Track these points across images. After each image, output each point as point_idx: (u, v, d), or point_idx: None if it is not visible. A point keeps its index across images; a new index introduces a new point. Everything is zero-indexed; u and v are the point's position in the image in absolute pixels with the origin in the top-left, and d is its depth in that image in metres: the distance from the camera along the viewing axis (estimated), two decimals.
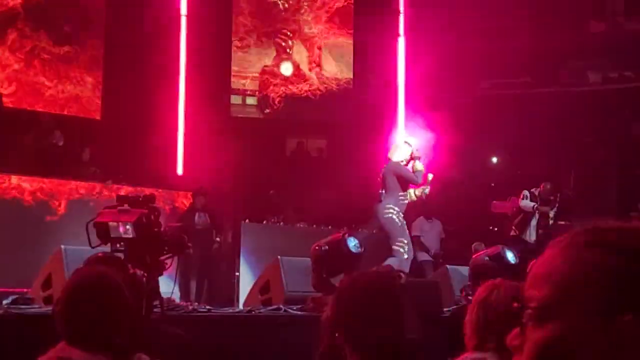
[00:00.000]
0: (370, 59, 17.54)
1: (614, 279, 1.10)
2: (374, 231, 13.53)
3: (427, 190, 9.44)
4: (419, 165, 9.33)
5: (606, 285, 1.10)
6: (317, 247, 7.61)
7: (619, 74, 21.98)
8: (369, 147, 15.62)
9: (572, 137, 18.82)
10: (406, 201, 9.32)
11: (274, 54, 17.08)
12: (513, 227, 13.04)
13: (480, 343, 2.96)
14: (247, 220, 12.88)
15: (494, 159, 19.26)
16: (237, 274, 12.04)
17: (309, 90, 17.01)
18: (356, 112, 17.13)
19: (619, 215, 12.66)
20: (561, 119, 18.70)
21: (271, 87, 16.73)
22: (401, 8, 17.38)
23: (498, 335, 2.72)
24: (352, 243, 7.77)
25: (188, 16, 15.26)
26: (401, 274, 7.17)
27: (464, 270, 9.22)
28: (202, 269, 12.33)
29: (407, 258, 9.11)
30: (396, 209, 9.14)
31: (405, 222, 9.30)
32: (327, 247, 7.58)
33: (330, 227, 12.63)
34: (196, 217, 12.27)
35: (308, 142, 17.65)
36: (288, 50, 17.07)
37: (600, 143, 19.22)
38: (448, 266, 9.91)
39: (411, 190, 9.39)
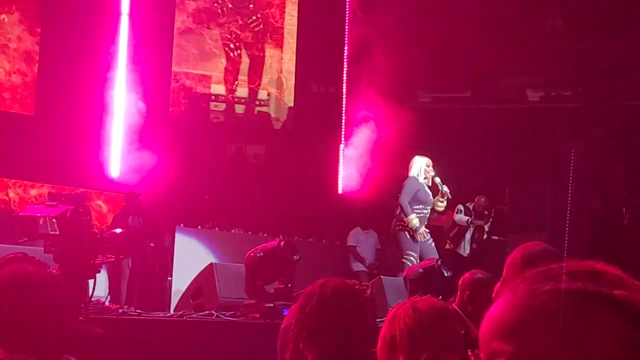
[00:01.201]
0: (311, 65, 17.53)
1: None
2: (311, 239, 13.51)
3: (442, 198, 9.33)
4: (442, 187, 9.27)
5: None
6: (252, 254, 7.50)
7: (558, 92, 22.34)
8: (308, 154, 15.60)
9: (509, 153, 19.02)
10: (423, 213, 9.23)
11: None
12: (448, 241, 13.11)
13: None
14: (181, 225, 12.70)
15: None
16: (169, 278, 11.86)
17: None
18: (296, 119, 17.08)
19: (551, 232, 12.77)
20: (499, 134, 18.90)
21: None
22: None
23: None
24: (288, 250, 7.68)
25: (130, 14, 15.02)
26: (369, 284, 7.10)
27: (399, 281, 9.21)
28: (134, 272, 12.11)
29: None
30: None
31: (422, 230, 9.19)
32: (262, 253, 7.48)
33: (265, 234, 12.53)
34: (130, 220, 12.06)
35: (247, 148, 17.54)
36: (231, 53, 16.95)
37: (536, 160, 19.47)
38: (382, 277, 9.87)
39: (436, 201, 9.33)
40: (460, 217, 12.87)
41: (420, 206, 9.24)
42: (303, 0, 17.45)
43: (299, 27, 17.39)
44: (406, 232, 9.07)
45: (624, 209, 15.46)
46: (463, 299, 5.53)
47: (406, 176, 9.56)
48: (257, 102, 17.03)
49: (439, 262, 8.44)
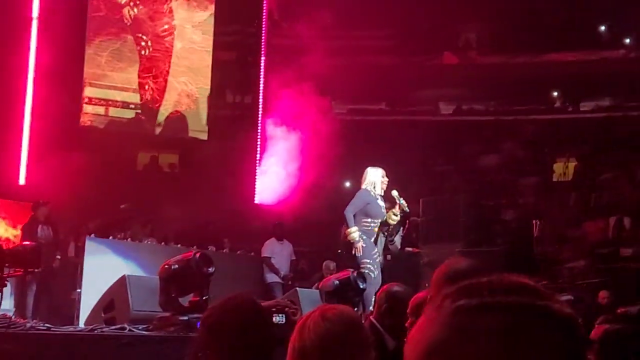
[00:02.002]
0: (227, 75, 17.43)
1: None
2: (226, 250, 13.36)
3: (397, 211, 9.24)
4: (400, 200, 9.19)
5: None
6: (166, 266, 7.34)
7: (470, 106, 22.75)
8: (223, 164, 15.46)
9: (424, 165, 19.24)
10: (371, 227, 9.13)
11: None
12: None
13: None
14: (92, 235, 12.39)
15: (347, 183, 19.41)
16: (78, 290, 11.54)
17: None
18: (211, 128, 16.93)
19: (467, 244, 12.93)
20: (414, 146, 19.08)
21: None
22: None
23: None
24: (203, 262, 7.55)
25: (39, 19, 14.66)
26: (297, 308, 6.97)
27: (314, 293, 9.16)
28: (40, 285, 11.77)
29: (377, 276, 8.97)
30: (361, 233, 8.99)
31: (371, 243, 9.09)
32: (177, 265, 7.33)
33: (179, 245, 12.34)
34: (39, 230, 11.72)
35: (160, 156, 17.30)
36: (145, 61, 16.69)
37: (450, 172, 19.74)
38: (298, 289, 9.81)
39: (390, 214, 9.22)
40: None
41: (369, 220, 9.14)
42: (219, 10, 17.28)
43: (215, 36, 17.23)
44: (360, 242, 9.02)
45: (534, 221, 15.76)
46: (380, 312, 5.49)
47: (358, 188, 9.46)
48: (172, 111, 16.79)
49: (355, 274, 8.42)
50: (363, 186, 9.20)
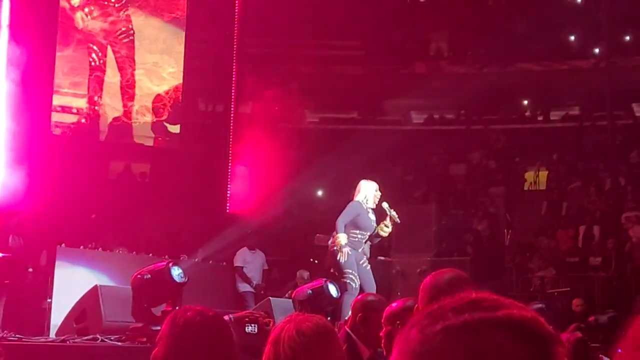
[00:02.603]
0: (199, 83, 17.38)
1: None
2: (198, 260, 13.31)
3: (388, 222, 9.26)
4: (391, 211, 9.20)
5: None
6: (139, 276, 7.32)
7: (441, 115, 22.86)
8: (195, 173, 15.41)
9: (395, 174, 19.29)
10: (358, 238, 9.16)
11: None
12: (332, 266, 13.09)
13: None
14: (62, 245, 12.29)
15: (319, 192, 19.45)
16: (49, 300, 11.44)
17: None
18: (183, 137, 16.87)
19: (438, 253, 12.99)
20: (385, 155, 19.14)
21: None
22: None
23: None
24: (176, 272, 7.54)
25: (10, 26, 14.53)
26: (270, 320, 6.98)
27: (287, 302, 9.17)
28: (10, 294, 11.64)
29: (357, 287, 8.99)
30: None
31: (355, 254, 9.11)
32: (149, 275, 7.31)
33: (151, 254, 12.28)
34: (10, 240, 11.62)
35: (132, 165, 17.20)
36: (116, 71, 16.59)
37: (420, 181, 19.82)
38: (271, 298, 9.81)
39: (382, 226, 9.25)
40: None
41: (357, 231, 9.22)
42: (191, 18, 17.23)
43: (186, 43, 17.17)
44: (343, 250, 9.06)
45: (505, 230, 15.88)
46: (355, 322, 5.51)
47: (350, 199, 9.53)
48: (142, 120, 16.69)
49: (328, 283, 8.44)
50: (356, 199, 9.31)
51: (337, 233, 9.02)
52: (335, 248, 9.06)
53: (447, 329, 1.02)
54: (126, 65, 16.64)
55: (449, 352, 1.01)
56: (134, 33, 16.82)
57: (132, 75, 16.68)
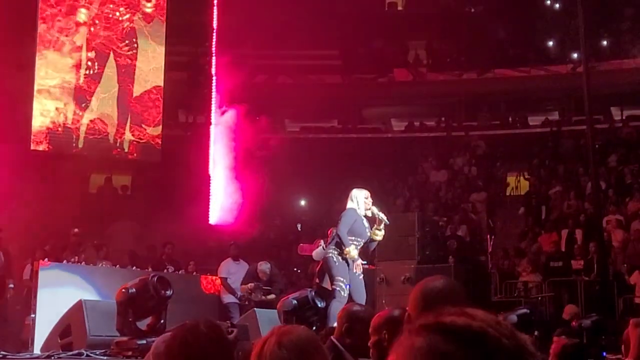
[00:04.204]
0: (179, 95, 17.36)
1: None
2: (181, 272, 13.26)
3: (379, 226, 9.26)
4: (379, 214, 9.21)
5: None
6: (123, 289, 7.29)
7: (421, 122, 22.93)
8: (177, 184, 15.36)
9: (376, 182, 19.31)
10: (354, 245, 9.14)
11: None
12: (316, 274, 13.06)
13: None
14: (45, 259, 12.22)
15: (302, 202, 19.44)
16: (32, 316, 11.36)
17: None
18: (163, 148, 16.81)
19: (421, 261, 12.98)
20: (366, 163, 19.17)
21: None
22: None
23: None
24: (161, 285, 7.52)
25: None
26: (232, 329, 6.97)
27: (272, 313, 9.16)
28: None
29: (346, 295, 8.96)
30: (337, 250, 8.99)
31: (347, 262, 9.09)
32: (134, 289, 7.29)
33: (134, 267, 12.22)
34: None
35: (112, 178, 17.12)
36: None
37: (401, 188, 19.85)
38: (256, 309, 9.80)
39: (375, 231, 9.24)
40: (318, 252, 12.80)
41: (352, 237, 9.22)
42: (170, 29, 17.19)
43: (166, 55, 17.11)
44: (335, 258, 9.03)
45: (488, 235, 15.91)
46: (341, 331, 5.51)
47: (343, 208, 9.52)
48: (123, 132, 16.59)
49: (313, 293, 8.44)
50: (349, 206, 9.31)
51: (344, 245, 9.01)
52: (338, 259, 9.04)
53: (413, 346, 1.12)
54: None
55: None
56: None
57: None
